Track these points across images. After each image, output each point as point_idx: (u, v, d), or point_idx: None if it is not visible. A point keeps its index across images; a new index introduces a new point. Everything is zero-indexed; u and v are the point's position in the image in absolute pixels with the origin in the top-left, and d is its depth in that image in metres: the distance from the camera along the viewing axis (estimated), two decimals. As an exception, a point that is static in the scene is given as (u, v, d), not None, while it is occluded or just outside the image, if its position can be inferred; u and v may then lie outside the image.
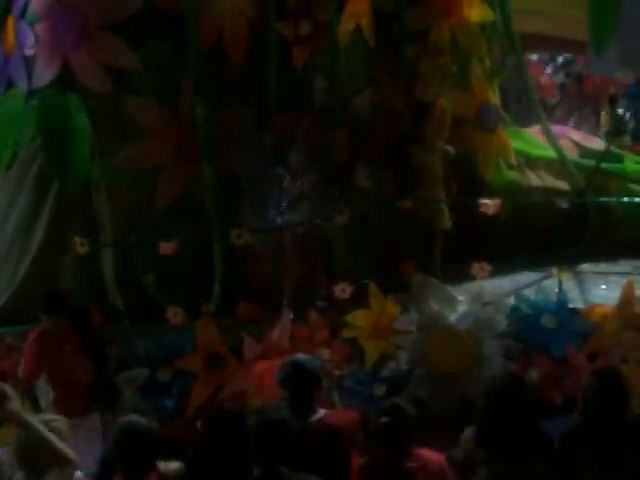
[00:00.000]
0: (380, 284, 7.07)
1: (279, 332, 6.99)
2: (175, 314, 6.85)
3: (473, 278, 7.22)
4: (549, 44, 9.00)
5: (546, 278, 7.26)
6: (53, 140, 7.29)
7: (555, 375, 6.84)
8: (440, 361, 6.98)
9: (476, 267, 7.27)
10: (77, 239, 6.98)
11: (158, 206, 7.25)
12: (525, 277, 7.44)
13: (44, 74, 7.36)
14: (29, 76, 7.49)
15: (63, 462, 4.78)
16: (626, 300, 6.93)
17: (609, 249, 7.93)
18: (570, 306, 6.99)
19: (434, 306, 7.23)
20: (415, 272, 7.20)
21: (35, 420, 4.90)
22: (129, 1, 7.12)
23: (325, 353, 7.09)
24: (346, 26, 7.38)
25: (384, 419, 4.86)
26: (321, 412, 5.06)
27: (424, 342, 7.18)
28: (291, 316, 6.96)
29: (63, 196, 7.34)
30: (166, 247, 6.79)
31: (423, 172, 7.52)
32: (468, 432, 4.95)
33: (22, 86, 7.58)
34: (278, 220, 7.01)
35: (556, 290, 7.01)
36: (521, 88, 8.41)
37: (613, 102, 9.93)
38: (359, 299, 7.07)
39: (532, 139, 8.54)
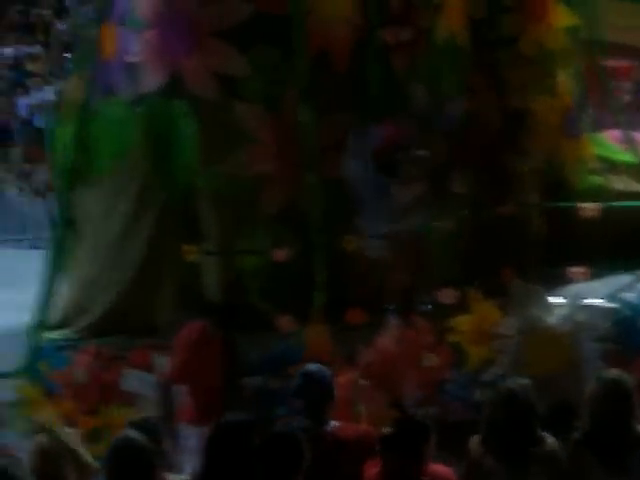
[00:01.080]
0: (480, 289, 7.26)
1: (388, 338, 7.14)
2: (286, 322, 6.93)
3: (568, 281, 7.41)
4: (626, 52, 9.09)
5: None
6: (159, 148, 7.14)
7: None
8: (538, 364, 7.13)
9: (575, 271, 7.47)
10: (187, 247, 6.89)
11: (264, 214, 7.13)
12: (618, 280, 7.34)
13: (151, 81, 7.19)
14: (133, 83, 7.32)
15: (83, 471, 4.69)
16: None
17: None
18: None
19: (533, 310, 7.38)
20: (514, 277, 7.40)
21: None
22: (240, 7, 7.00)
23: (431, 358, 7.26)
24: (442, 32, 7.35)
25: (389, 431, 4.79)
26: (332, 424, 5.01)
27: (523, 346, 7.40)
28: (396, 321, 7.09)
29: (166, 205, 7.18)
30: (279, 254, 6.77)
31: (520, 179, 7.58)
32: (475, 439, 4.91)
33: (124, 93, 7.40)
34: (388, 228, 6.95)
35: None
36: (603, 94, 8.53)
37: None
38: (460, 304, 7.12)
39: (607, 144, 8.69)
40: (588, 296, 7.15)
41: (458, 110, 7.53)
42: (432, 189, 7.23)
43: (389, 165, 7.02)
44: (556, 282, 7.23)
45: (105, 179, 7.48)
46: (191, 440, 6.10)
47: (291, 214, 7.19)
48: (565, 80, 8.04)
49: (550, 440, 4.88)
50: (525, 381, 5.07)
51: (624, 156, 8.44)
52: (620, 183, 8.32)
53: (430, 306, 7.08)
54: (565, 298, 7.15)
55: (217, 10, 7.06)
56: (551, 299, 7.16)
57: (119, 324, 7.29)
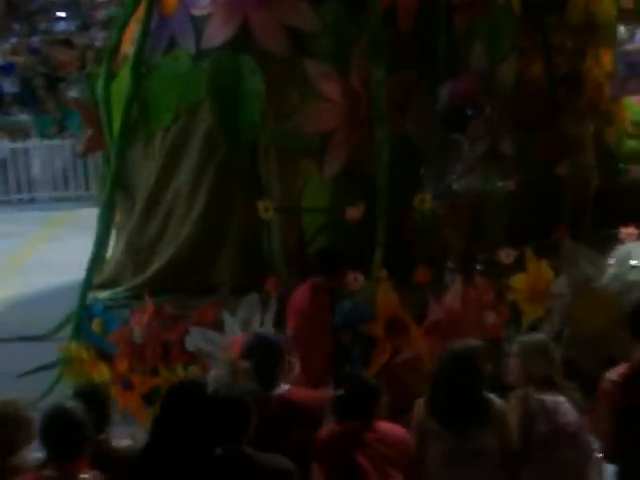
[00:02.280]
0: (535, 249, 7.20)
1: (452, 296, 7.05)
2: (355, 279, 6.83)
3: (618, 242, 7.39)
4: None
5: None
6: (223, 103, 6.95)
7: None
8: (589, 323, 7.10)
9: (625, 231, 7.58)
10: (260, 203, 6.72)
11: (327, 172, 6.99)
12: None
13: (218, 35, 7.00)
14: (198, 37, 7.09)
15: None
16: None
17: None
18: None
19: (584, 270, 7.48)
20: (566, 237, 7.44)
21: None
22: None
23: (491, 315, 7.31)
24: (499, -7, 7.44)
25: (341, 392, 4.78)
26: (284, 387, 4.93)
27: (574, 304, 7.50)
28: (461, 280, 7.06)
29: (229, 161, 7.00)
30: (352, 212, 6.62)
31: (572, 141, 7.51)
32: (420, 401, 4.86)
33: (188, 47, 7.17)
34: (455, 186, 6.85)
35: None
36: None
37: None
38: (517, 264, 7.08)
39: (636, 108, 8.81)
40: (637, 256, 7.46)
41: (509, 71, 7.57)
42: (493, 149, 7.32)
43: (458, 121, 6.98)
44: (607, 242, 7.30)
45: (165, 134, 7.27)
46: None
47: (355, 172, 7.06)
48: (606, 45, 8.22)
49: (498, 403, 4.79)
50: (476, 343, 4.95)
51: (655, 120, 8.74)
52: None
53: (489, 265, 7.14)
54: (615, 258, 7.35)
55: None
56: (602, 259, 7.42)
57: (175, 282, 7.11)
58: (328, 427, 4.79)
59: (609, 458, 4.90)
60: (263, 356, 4.92)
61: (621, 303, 7.05)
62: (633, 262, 7.22)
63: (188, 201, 7.15)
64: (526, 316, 6.98)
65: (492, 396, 4.79)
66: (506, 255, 7.06)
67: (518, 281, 7.00)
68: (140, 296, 7.08)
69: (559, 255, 7.21)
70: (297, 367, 5.37)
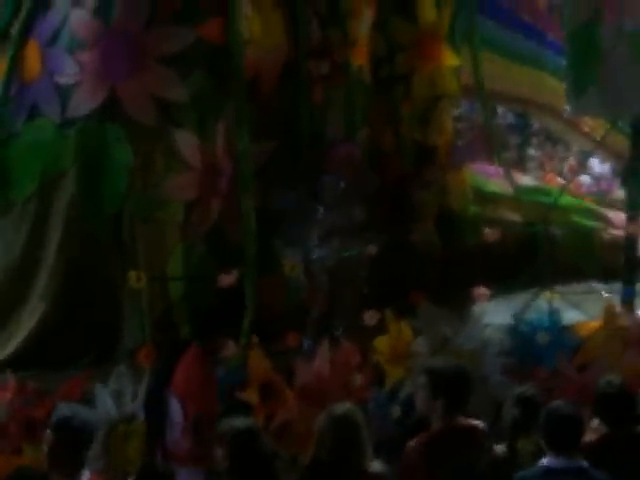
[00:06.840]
0: (394, 310, 7.36)
1: (321, 360, 7.01)
2: (226, 346, 6.71)
3: (472, 302, 7.60)
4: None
5: (535, 300, 7.79)
6: (89, 172, 6.81)
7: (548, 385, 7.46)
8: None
9: (476, 292, 7.80)
10: (132, 273, 6.43)
11: (188, 240, 6.96)
12: (515, 299, 7.80)
13: (85, 103, 6.86)
14: (63, 105, 6.92)
15: None
16: (609, 315, 7.68)
17: (555, 274, 8.73)
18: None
19: (441, 330, 7.65)
20: (422, 299, 7.61)
21: None
22: (185, 33, 6.83)
23: (357, 378, 7.32)
24: (353, 67, 7.55)
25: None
26: (86, 474, 4.65)
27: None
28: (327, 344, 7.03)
29: (92, 231, 6.85)
30: (225, 279, 6.43)
31: (421, 209, 7.94)
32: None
33: (52, 115, 6.99)
34: (313, 254, 6.96)
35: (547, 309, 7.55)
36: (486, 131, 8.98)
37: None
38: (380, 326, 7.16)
39: (475, 176, 9.18)
40: (490, 315, 7.62)
41: (361, 142, 7.81)
42: (349, 217, 7.44)
43: (318, 191, 7.09)
44: (460, 303, 7.62)
45: (26, 204, 7.01)
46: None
47: (216, 241, 7.05)
48: (447, 114, 8.60)
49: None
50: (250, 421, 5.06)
51: (493, 187, 9.14)
52: (492, 212, 8.97)
53: (350, 329, 7.20)
54: (470, 318, 7.66)
55: (163, 35, 6.88)
56: (457, 319, 7.66)
57: (37, 357, 6.74)
58: None
59: None
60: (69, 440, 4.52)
61: (477, 360, 7.40)
62: (486, 321, 7.59)
63: (51, 273, 6.89)
64: (389, 377, 7.14)
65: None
66: (370, 317, 7.21)
67: (381, 343, 7.16)
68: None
69: (416, 316, 7.47)
70: None
